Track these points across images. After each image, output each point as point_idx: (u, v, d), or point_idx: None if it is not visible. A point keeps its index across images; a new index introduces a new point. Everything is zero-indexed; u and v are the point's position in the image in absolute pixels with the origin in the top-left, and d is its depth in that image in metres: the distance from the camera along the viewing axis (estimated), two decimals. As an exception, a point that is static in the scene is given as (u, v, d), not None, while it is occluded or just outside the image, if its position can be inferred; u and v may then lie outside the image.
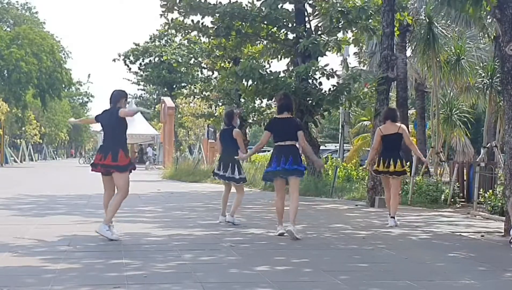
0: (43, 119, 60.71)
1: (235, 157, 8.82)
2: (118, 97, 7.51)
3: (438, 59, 17.47)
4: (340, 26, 16.73)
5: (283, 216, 7.84)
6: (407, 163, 9.66)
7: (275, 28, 17.30)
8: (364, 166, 13.38)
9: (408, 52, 20.50)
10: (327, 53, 17.01)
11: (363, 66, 29.58)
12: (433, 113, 18.50)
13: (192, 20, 17.22)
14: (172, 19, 17.45)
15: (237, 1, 16.73)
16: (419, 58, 18.61)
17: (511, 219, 8.06)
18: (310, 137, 16.91)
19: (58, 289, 4.82)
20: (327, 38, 16.43)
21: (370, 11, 15.87)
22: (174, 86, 51.87)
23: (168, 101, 37.40)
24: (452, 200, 12.87)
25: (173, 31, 20.48)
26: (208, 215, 10.29)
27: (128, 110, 7.76)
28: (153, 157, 38.43)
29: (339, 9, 16.12)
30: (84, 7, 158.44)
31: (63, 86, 51.99)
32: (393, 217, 9.22)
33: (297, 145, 7.80)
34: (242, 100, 22.68)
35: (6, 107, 40.24)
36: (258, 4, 16.85)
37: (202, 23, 17.18)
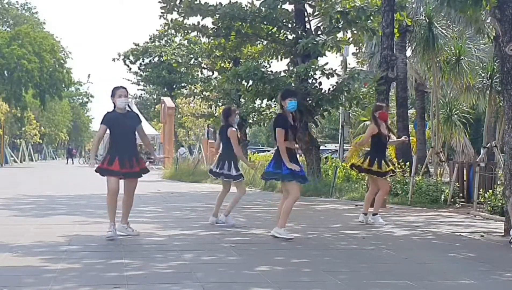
0: (43, 119, 60.66)
1: (233, 154, 8.78)
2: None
3: (438, 59, 17.47)
4: (340, 27, 16.73)
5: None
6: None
7: (275, 28, 17.28)
8: None
9: (408, 52, 20.48)
10: (326, 53, 17.00)
11: (361, 66, 29.54)
12: (433, 113, 18.49)
13: (193, 23, 17.23)
14: (172, 19, 17.43)
15: (236, 2, 16.73)
16: (419, 58, 18.60)
17: (511, 219, 8.06)
18: (310, 137, 16.91)
19: (58, 289, 4.82)
20: (325, 37, 16.42)
21: (370, 11, 15.87)
22: (174, 86, 51.84)
23: (168, 101, 37.34)
24: (452, 200, 12.87)
25: (173, 31, 20.46)
26: (208, 215, 10.26)
27: None
28: (183, 155, 36.15)
29: (339, 9, 16.12)
30: (84, 7, 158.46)
31: (64, 85, 51.83)
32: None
33: None
34: (242, 100, 22.67)
35: (6, 107, 40.15)
36: (257, 4, 16.86)
37: (202, 24, 17.18)
